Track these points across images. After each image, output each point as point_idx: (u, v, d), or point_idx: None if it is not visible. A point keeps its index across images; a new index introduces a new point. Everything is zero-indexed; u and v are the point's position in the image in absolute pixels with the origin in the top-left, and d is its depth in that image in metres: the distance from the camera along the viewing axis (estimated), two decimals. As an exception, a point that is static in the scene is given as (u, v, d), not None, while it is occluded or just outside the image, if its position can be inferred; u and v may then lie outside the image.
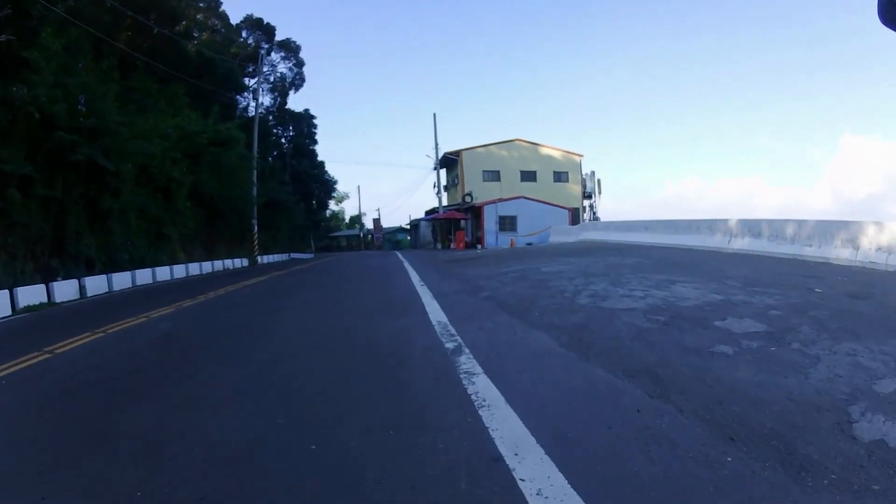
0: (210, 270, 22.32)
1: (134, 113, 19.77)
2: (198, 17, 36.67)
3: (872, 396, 3.28)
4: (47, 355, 6.00)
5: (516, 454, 2.68)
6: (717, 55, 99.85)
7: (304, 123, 50.40)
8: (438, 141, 40.42)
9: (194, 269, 21.04)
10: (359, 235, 68.43)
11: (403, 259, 22.55)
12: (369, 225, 67.78)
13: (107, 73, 19.73)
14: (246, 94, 38.50)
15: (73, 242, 16.14)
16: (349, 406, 3.68)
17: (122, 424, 3.55)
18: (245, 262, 27.33)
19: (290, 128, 50.04)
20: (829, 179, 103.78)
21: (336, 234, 73.11)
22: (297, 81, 46.08)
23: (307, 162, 50.08)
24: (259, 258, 29.49)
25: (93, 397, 4.33)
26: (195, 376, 4.82)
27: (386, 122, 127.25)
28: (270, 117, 46.37)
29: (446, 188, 44.43)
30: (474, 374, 4.19)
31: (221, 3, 37.70)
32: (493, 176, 40.66)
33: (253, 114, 33.97)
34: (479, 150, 41.34)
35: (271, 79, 44.79)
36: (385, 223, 65.93)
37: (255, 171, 29.70)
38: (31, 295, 11.79)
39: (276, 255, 33.51)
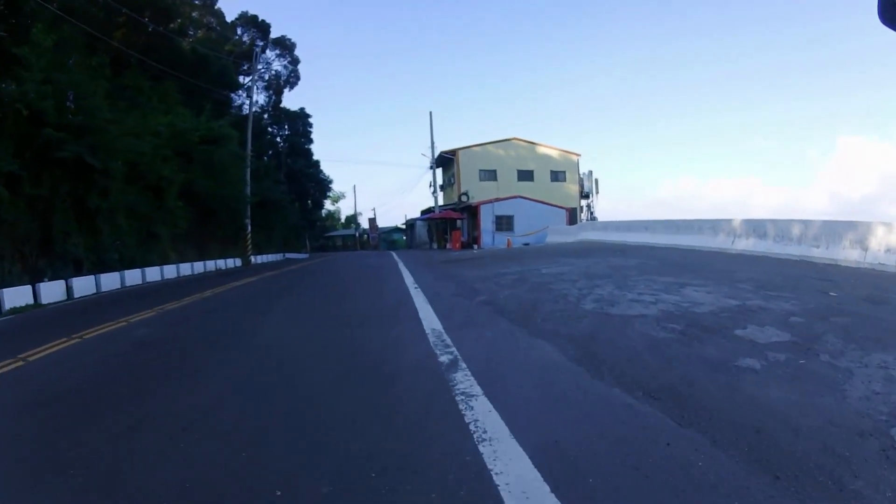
0: (202, 271, 21.88)
1: (124, 110, 19.38)
2: (193, 14, 36.29)
3: (912, 416, 2.94)
4: (20, 363, 5.68)
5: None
6: (714, 55, 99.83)
7: (300, 122, 49.98)
8: (435, 140, 40.14)
9: (185, 269, 20.60)
10: (354, 235, 67.95)
11: (398, 259, 22.12)
12: (365, 225, 67.42)
13: (97, 70, 19.34)
14: (240, 91, 38.04)
15: (61, 242, 15.74)
16: (323, 441, 3.11)
17: (71, 450, 3.14)
18: (238, 262, 26.89)
19: (286, 127, 49.61)
20: (825, 180, 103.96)
21: (332, 233, 72.64)
22: (292, 79, 45.76)
23: (302, 161, 49.63)
24: (252, 258, 29.03)
25: (50, 416, 3.90)
26: (157, 393, 4.33)
27: (382, 121, 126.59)
28: (265, 116, 46.00)
29: (442, 187, 44.08)
30: (472, 395, 3.71)
31: (217, 0, 37.28)
32: (490, 175, 40.27)
33: (247, 112, 33.51)
34: (476, 149, 40.96)
35: (266, 77, 44.47)
36: (381, 223, 65.58)
37: (248, 170, 29.23)
38: (18, 296, 11.50)
39: (270, 256, 33.06)
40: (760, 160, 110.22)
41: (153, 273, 17.99)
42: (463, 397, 3.68)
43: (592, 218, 39.93)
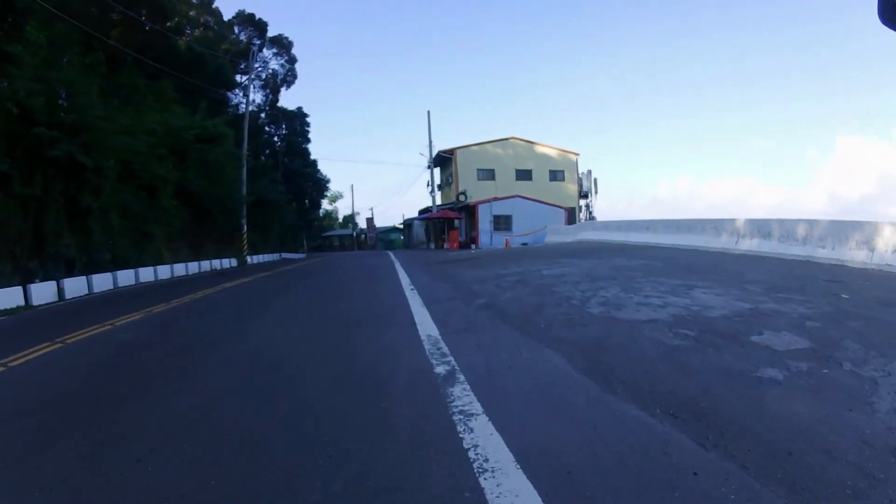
0: (197, 271, 21.59)
1: (119, 108, 19.09)
2: (190, 13, 36.03)
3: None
4: (1, 368, 5.44)
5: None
6: (713, 56, 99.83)
7: (297, 122, 49.72)
8: (433, 139, 39.98)
9: (180, 269, 20.31)
10: (352, 235, 67.72)
11: (395, 260, 21.84)
12: (363, 224, 67.18)
13: (91, 68, 19.04)
14: (237, 90, 37.81)
15: (53, 242, 15.48)
16: (299, 470, 2.71)
17: (33, 472, 2.87)
18: (234, 262, 26.58)
19: (283, 126, 49.37)
20: (824, 180, 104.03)
21: (329, 233, 72.40)
22: (289, 78, 45.48)
23: (299, 161, 49.37)
24: (249, 258, 28.73)
25: (18, 432, 3.61)
26: (128, 407, 3.99)
27: (379, 121, 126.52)
28: (263, 115, 45.72)
29: (440, 187, 43.79)
30: (472, 414, 3.33)
31: (214, -1, 37.01)
32: (488, 174, 39.99)
33: (244, 111, 33.19)
34: (474, 148, 40.68)
35: (263, 75, 44.19)
36: (378, 222, 65.38)
37: (244, 169, 28.93)
38: (8, 298, 11.29)
39: (266, 256, 32.76)
40: (759, 160, 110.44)
41: (147, 273, 17.71)
42: (461, 417, 3.30)
43: (591, 218, 39.72)
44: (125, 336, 6.96)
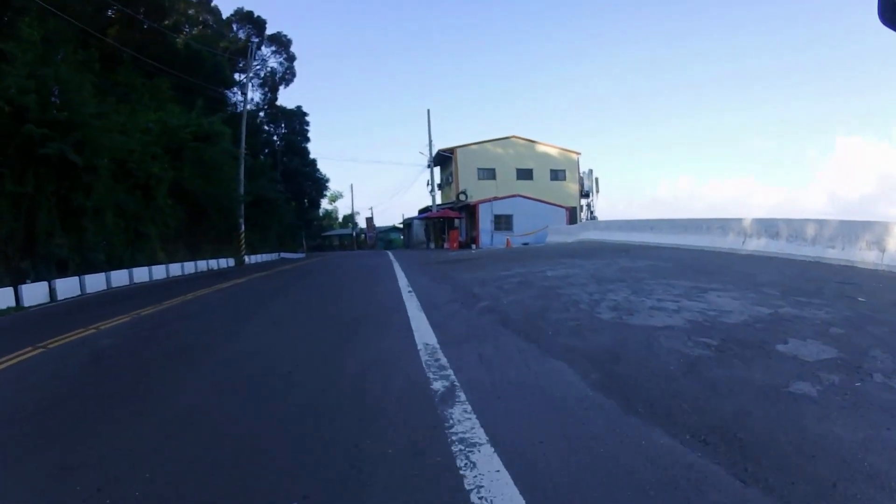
0: (193, 271, 21.26)
1: (113, 106, 18.77)
2: (189, 11, 35.77)
3: None
4: (-22, 377, 5.10)
5: None
6: (713, 56, 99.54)
7: (296, 120, 49.47)
8: (433, 138, 39.56)
9: (176, 269, 19.98)
10: (352, 235, 67.46)
11: (394, 260, 21.47)
12: (362, 224, 66.91)
13: (85, 65, 18.74)
14: (235, 89, 37.53)
15: (45, 242, 15.16)
16: None
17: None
18: (231, 262, 26.25)
19: (282, 125, 49.14)
20: (824, 180, 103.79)
21: (329, 233, 72.18)
22: (288, 76, 45.21)
23: (299, 160, 49.12)
24: (246, 258, 28.37)
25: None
26: (96, 426, 3.60)
27: (379, 120, 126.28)
28: (262, 114, 45.48)
29: (440, 186, 43.48)
30: (474, 443, 2.84)
31: (213, -4, 36.74)
32: (489, 174, 39.67)
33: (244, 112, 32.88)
34: (474, 147, 40.34)
35: (261, 73, 43.93)
36: (378, 222, 65.10)
37: (242, 168, 28.59)
38: (-1, 298, 11.03)
39: (264, 255, 32.43)
40: (759, 160, 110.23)
41: (141, 274, 17.39)
42: (462, 447, 2.82)
43: (592, 217, 39.42)
44: (107, 341, 6.61)
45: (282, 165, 45.66)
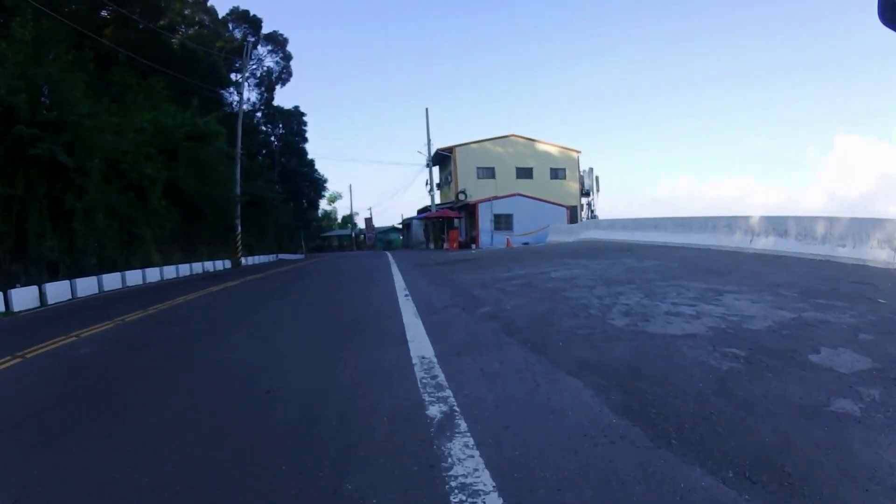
0: (188, 273, 20.90)
1: (106, 106, 18.42)
2: (185, 11, 35.40)
3: None
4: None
5: None
6: (713, 56, 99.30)
7: (294, 121, 49.22)
8: (431, 137, 39.05)
9: (170, 272, 19.62)
10: (351, 235, 67.12)
11: (392, 261, 21.08)
12: (362, 225, 66.52)
13: (78, 65, 18.41)
14: (232, 89, 37.19)
15: (35, 245, 14.83)
16: None
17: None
18: (228, 263, 25.89)
19: (280, 125, 48.87)
20: (823, 179, 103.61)
21: (328, 233, 71.87)
22: (284, 76, 44.94)
23: (296, 160, 48.85)
24: (243, 260, 28.00)
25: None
26: (61, 448, 3.23)
27: (378, 119, 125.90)
28: (258, 114, 45.20)
29: (439, 186, 43.12)
30: (478, 491, 2.35)
31: (209, -4, 36.41)
32: (488, 173, 39.33)
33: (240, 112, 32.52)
34: (473, 146, 39.98)
35: (258, 73, 43.64)
36: (377, 222, 64.77)
37: (238, 168, 28.20)
38: (-12, 303, 10.75)
39: (262, 257, 32.06)
40: (759, 160, 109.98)
41: (134, 276, 17.02)
42: (463, 497, 2.31)
43: (593, 216, 39.17)
44: (86, 350, 6.24)
45: (279, 166, 45.35)
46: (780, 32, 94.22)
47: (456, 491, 2.38)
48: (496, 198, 34.21)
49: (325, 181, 57.33)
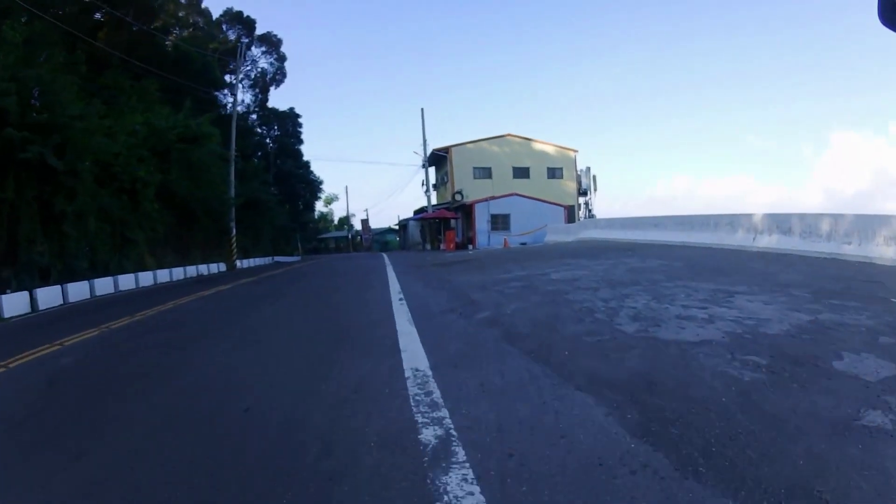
0: (181, 277, 20.58)
1: (98, 108, 18.12)
2: (179, 13, 35.07)
3: None
4: None
5: None
6: (710, 56, 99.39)
7: (289, 122, 48.84)
8: (427, 138, 38.66)
9: (164, 275, 19.31)
10: (347, 237, 66.83)
11: (388, 262, 20.79)
12: (358, 226, 66.21)
13: (69, 67, 18.15)
14: (226, 90, 36.84)
15: (26, 249, 14.57)
16: None
17: None
18: (223, 266, 25.57)
19: (275, 127, 48.48)
20: (819, 177, 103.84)
21: (325, 235, 71.62)
22: (279, 77, 44.60)
23: (292, 162, 48.51)
24: (238, 262, 27.68)
25: None
26: (26, 470, 3.02)
27: (374, 121, 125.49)
28: (253, 115, 44.85)
29: (435, 186, 42.87)
30: None
31: (203, -1, 36.11)
32: (485, 173, 39.10)
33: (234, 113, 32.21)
34: (469, 146, 39.76)
35: (252, 74, 43.29)
36: (374, 223, 64.55)
37: (232, 170, 27.89)
38: (-22, 310, 10.54)
39: (257, 259, 31.74)
40: (755, 159, 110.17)
41: (127, 281, 16.73)
42: None
43: (591, 216, 39.04)
44: (66, 360, 5.94)
45: (275, 168, 45.03)
46: (779, 32, 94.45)
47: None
48: (493, 198, 34.02)
49: (321, 183, 57.02)
